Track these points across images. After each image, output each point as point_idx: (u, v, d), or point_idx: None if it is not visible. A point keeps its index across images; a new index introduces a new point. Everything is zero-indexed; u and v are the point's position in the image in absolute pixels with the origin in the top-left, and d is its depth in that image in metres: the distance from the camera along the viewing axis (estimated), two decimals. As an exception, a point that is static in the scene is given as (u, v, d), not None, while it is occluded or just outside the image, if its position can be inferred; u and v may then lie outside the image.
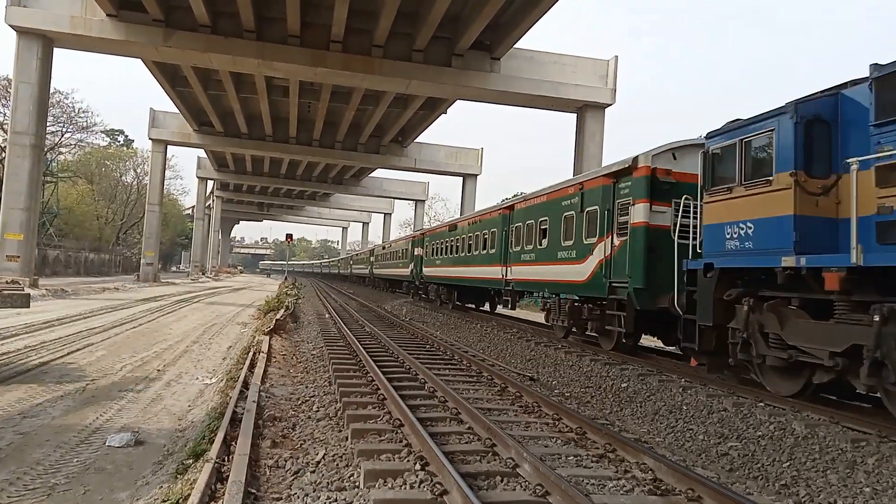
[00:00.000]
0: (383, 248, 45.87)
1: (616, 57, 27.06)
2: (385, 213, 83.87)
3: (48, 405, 8.26)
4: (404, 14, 22.84)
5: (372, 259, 48.82)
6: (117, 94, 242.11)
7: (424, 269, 28.49)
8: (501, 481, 5.47)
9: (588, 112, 27.09)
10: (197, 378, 10.75)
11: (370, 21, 23.70)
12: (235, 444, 5.89)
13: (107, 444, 6.78)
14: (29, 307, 12.96)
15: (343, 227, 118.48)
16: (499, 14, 22.46)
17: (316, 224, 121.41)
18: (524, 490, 5.26)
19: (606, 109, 27.44)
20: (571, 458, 6.27)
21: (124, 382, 10.02)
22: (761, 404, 8.11)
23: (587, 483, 5.56)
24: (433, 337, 16.17)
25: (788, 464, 6.33)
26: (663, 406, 8.69)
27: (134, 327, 17.46)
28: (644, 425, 8.26)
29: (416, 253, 30.64)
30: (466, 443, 6.62)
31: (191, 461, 5.78)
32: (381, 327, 18.38)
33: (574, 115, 28.04)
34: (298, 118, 39.03)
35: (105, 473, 6.01)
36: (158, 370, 11.24)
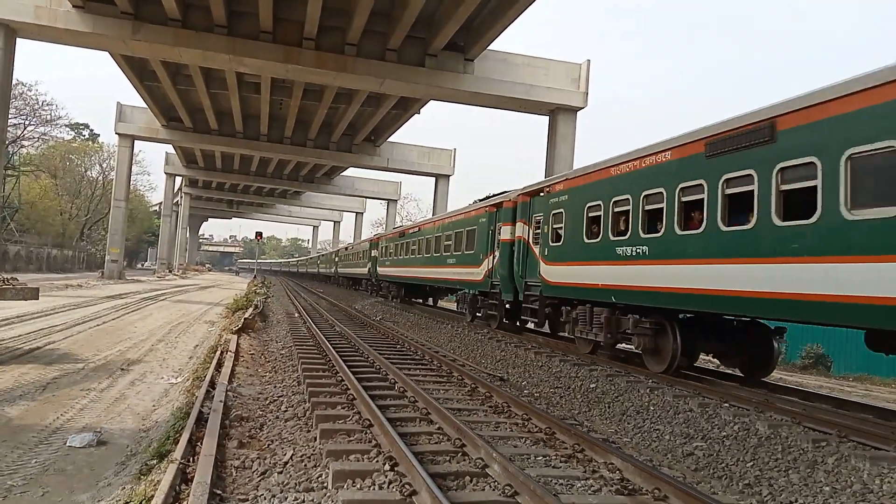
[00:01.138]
0: (401, 234, 28.94)
1: (588, 61, 27.25)
2: (357, 213, 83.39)
3: (5, 404, 8.04)
4: (378, 13, 22.75)
5: (375, 254, 34.53)
6: (83, 86, 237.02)
7: (550, 271, 13.19)
8: (471, 481, 5.47)
9: (560, 115, 27.28)
10: (162, 377, 10.57)
11: (344, 19, 23.55)
12: (201, 444, 5.80)
13: (67, 444, 6.63)
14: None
15: (314, 226, 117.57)
16: (473, 15, 22.50)
17: (286, 222, 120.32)
18: (493, 490, 5.26)
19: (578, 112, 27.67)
20: (540, 458, 6.30)
21: (86, 381, 9.81)
22: (726, 405, 8.25)
23: (556, 483, 5.59)
24: (404, 337, 16.13)
25: (752, 463, 6.45)
26: (631, 406, 8.79)
27: (98, 325, 17.11)
28: (612, 425, 8.34)
29: (499, 236, 16.15)
30: (436, 443, 6.61)
31: (155, 462, 5.68)
32: (351, 327, 18.27)
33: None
34: (270, 115, 38.60)
35: (65, 474, 5.87)
36: (122, 369, 11.02)
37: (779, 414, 7.78)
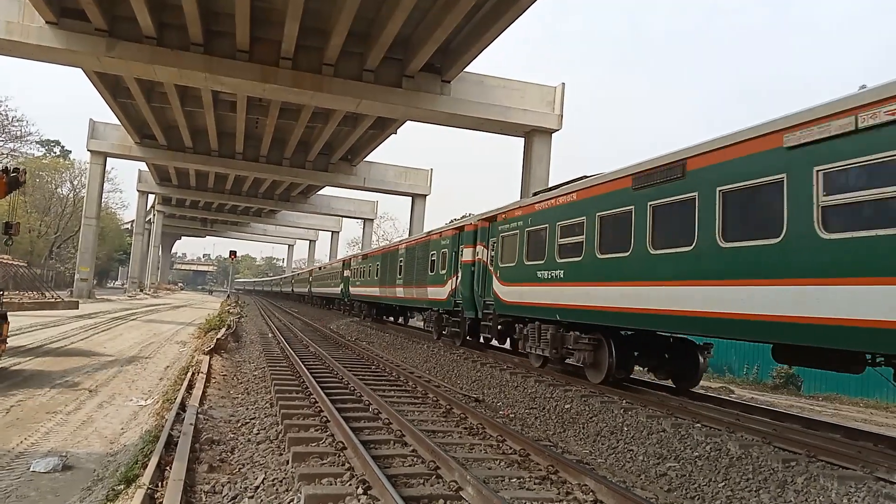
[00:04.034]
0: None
1: (563, 84, 27.66)
2: (332, 231, 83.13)
3: (-32, 428, 7.81)
4: (356, 34, 22.88)
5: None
6: (55, 101, 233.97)
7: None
8: (444, 504, 5.44)
9: (535, 137, 27.58)
10: (131, 399, 10.37)
11: (321, 39, 23.64)
12: (170, 468, 5.71)
13: (31, 469, 6.46)
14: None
15: (289, 245, 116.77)
16: (449, 38, 22.74)
17: (261, 241, 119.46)
18: (467, 513, 5.24)
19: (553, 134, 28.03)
20: (514, 480, 6.29)
21: (53, 404, 9.58)
22: (698, 425, 8.32)
23: (529, 505, 5.58)
24: (379, 357, 16.04)
25: (724, 484, 6.50)
26: (605, 427, 8.82)
27: (65, 345, 16.75)
28: (586, 446, 8.36)
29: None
30: (410, 465, 6.57)
31: (122, 487, 5.56)
32: (325, 347, 18.13)
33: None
34: (246, 134, 38.44)
35: (28, 501, 5.71)
36: (90, 391, 10.79)
37: (750, 434, 7.86)
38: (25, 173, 13.93)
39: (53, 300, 19.75)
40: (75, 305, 17.89)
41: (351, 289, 32.04)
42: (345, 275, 33.84)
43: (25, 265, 35.78)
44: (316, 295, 49.37)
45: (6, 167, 13.58)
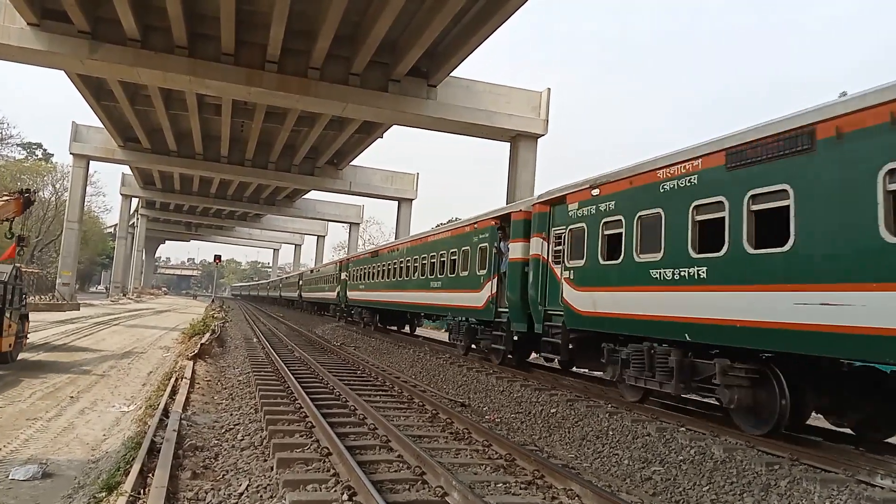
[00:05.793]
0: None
1: (549, 89, 27.79)
2: (318, 236, 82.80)
3: (-55, 436, 7.69)
4: (342, 37, 22.84)
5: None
6: (55, 101, 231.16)
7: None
8: (430, 510, 5.42)
9: (521, 141, 27.66)
10: (113, 405, 10.26)
11: (307, 42, 23.57)
12: (153, 475, 5.64)
13: (10, 477, 6.36)
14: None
15: (274, 249, 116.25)
16: (436, 42, 22.77)
17: (246, 245, 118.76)
18: (453, 519, 5.22)
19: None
20: (500, 485, 6.28)
21: (33, 410, 9.46)
22: (682, 429, 8.36)
23: (515, 510, 5.57)
24: (364, 362, 15.98)
25: (708, 487, 6.53)
26: (591, 431, 8.84)
27: (47, 351, 16.54)
28: (572, 451, 8.37)
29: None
30: (396, 471, 6.54)
31: (103, 494, 5.50)
32: (310, 352, 18.03)
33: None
34: (231, 137, 38.22)
35: (7, 509, 5.62)
36: (72, 397, 10.67)
37: (733, 438, 7.91)
38: (36, 193, 16.14)
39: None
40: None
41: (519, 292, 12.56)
42: (439, 256, 17.06)
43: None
44: (355, 305, 29.27)
45: (21, 188, 15.91)
